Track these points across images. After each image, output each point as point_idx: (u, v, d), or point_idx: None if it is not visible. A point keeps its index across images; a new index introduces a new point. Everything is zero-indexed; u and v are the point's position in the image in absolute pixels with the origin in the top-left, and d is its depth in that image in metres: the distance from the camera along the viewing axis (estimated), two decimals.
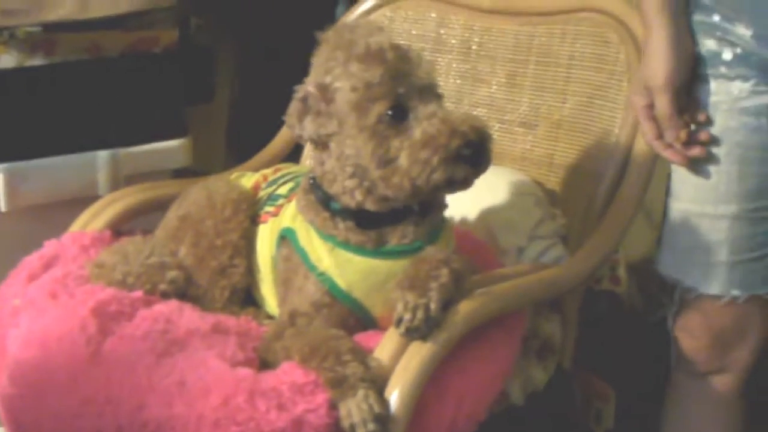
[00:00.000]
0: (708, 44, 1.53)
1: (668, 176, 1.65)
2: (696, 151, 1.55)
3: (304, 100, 1.43)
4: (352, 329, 1.46)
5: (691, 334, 1.68)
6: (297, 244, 1.49)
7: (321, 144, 1.44)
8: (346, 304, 1.45)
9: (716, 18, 1.52)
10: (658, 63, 1.52)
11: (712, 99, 1.53)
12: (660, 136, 1.56)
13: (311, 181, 1.49)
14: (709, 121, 1.54)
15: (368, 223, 1.45)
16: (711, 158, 1.56)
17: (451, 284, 1.37)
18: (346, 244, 1.45)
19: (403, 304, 1.34)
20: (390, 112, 1.36)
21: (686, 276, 1.65)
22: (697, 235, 1.60)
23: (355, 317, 1.47)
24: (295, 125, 1.44)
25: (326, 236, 1.46)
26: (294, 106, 1.44)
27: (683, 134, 1.55)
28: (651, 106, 1.54)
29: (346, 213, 1.45)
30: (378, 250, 1.45)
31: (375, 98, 1.37)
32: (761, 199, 1.57)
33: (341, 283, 1.45)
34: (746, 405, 1.75)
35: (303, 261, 1.47)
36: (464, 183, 1.38)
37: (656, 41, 1.53)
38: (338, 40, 1.43)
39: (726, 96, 1.52)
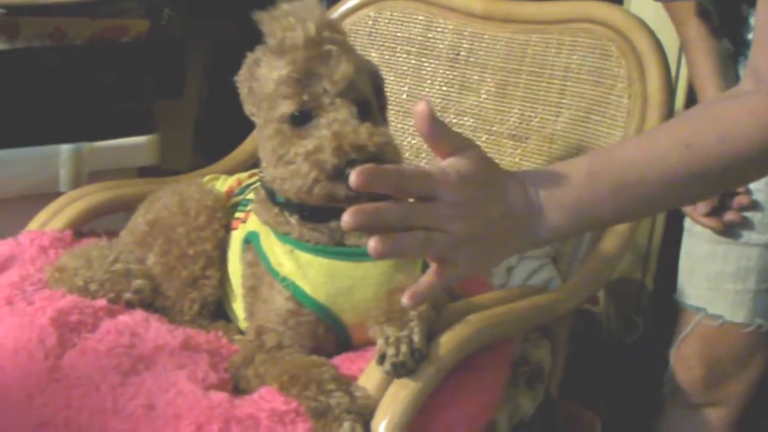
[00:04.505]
0: None
1: None
2: (731, 216, 1.51)
3: (250, 67, 1.36)
4: (322, 339, 1.37)
5: (685, 365, 1.64)
6: (260, 248, 1.40)
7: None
8: (313, 309, 1.36)
9: None
10: None
11: None
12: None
13: (261, 175, 1.41)
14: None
15: (312, 216, 1.36)
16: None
17: (430, 312, 1.28)
18: (304, 245, 1.37)
19: (384, 339, 1.24)
20: (296, 114, 1.29)
21: (711, 304, 1.60)
22: (725, 263, 1.56)
23: (324, 325, 1.37)
24: (242, 91, 1.38)
25: (283, 237, 1.38)
26: (243, 71, 1.37)
27: (715, 200, 1.53)
28: None
29: (291, 206, 1.36)
30: (338, 251, 1.36)
31: (283, 96, 1.29)
32: None
33: (305, 286, 1.36)
34: None
35: (266, 267, 1.39)
36: (349, 202, 1.19)
37: None
38: (268, 26, 1.33)
39: None
